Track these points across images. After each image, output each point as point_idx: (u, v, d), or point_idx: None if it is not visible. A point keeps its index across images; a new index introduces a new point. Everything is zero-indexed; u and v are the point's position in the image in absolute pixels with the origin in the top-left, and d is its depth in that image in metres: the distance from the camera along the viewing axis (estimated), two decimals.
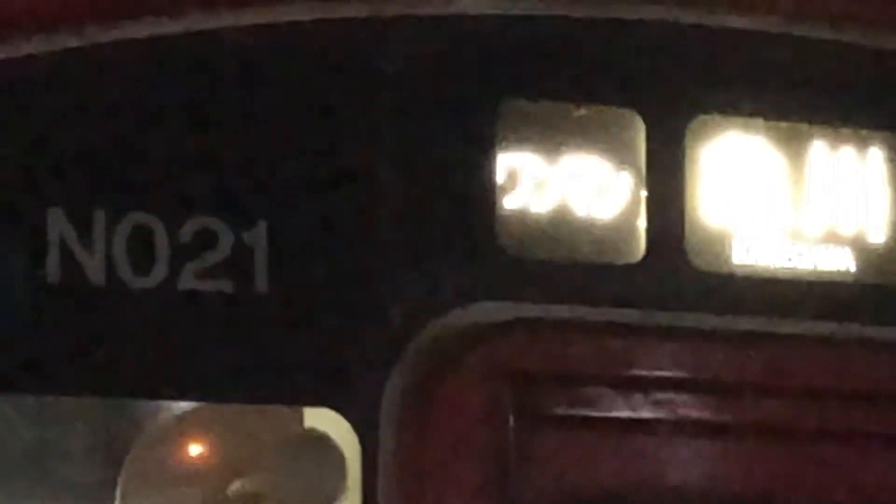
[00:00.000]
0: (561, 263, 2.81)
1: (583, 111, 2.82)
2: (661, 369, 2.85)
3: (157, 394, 2.97)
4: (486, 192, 2.80)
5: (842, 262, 2.94)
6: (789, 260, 2.91)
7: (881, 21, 2.95)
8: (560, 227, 2.83)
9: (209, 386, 2.81)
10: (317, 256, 2.72)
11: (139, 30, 2.72)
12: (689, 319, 2.82)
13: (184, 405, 3.28)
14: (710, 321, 2.82)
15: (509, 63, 2.85)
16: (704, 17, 2.92)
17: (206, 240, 2.66)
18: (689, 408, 2.90)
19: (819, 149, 2.94)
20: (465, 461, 2.81)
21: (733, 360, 2.89)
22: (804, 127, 2.95)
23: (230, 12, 2.79)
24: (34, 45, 2.63)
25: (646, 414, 2.86)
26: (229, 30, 2.82)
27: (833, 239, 2.91)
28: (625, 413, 2.87)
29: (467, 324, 2.81)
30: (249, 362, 2.77)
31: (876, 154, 2.98)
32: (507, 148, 2.79)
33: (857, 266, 2.96)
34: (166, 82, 2.69)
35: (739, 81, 2.94)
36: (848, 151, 2.98)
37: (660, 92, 2.87)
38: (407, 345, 2.76)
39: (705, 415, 2.89)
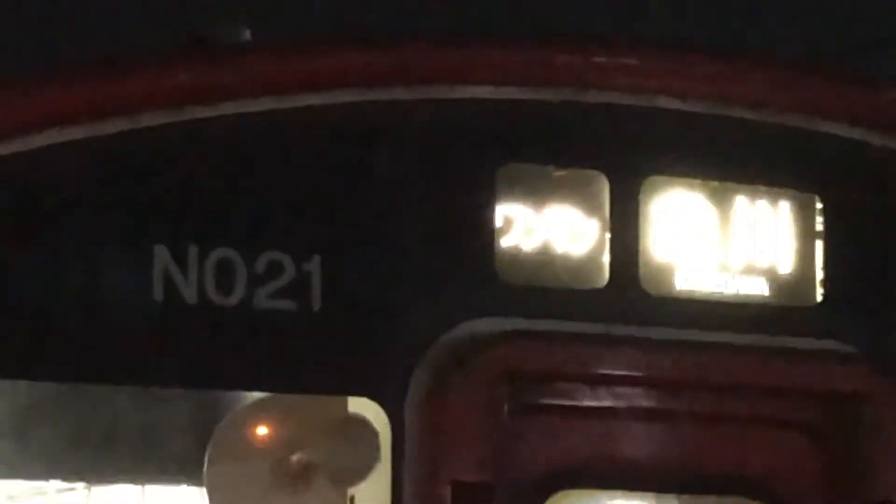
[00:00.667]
0: (544, 288, 3.29)
1: (561, 172, 3.34)
2: (620, 370, 3.32)
3: (236, 386, 3.47)
4: (487, 235, 3.28)
5: (758, 288, 3.44)
6: (718, 286, 3.43)
7: (787, 104, 3.50)
8: (543, 260, 3.31)
9: (276, 380, 3.30)
10: (359, 284, 3.19)
11: (231, 108, 3.24)
12: (642, 332, 3.30)
13: (256, 394, 3.63)
14: (657, 333, 3.30)
15: (505, 136, 3.36)
16: (657, 102, 3.47)
17: (275, 269, 3.12)
18: (641, 399, 3.42)
19: (741, 202, 3.46)
20: (470, 440, 3.30)
21: (675, 362, 3.40)
22: (730, 185, 3.49)
23: (272, 100, 3.31)
24: (153, 119, 3.17)
25: (608, 403, 3.36)
26: (277, 113, 3.31)
27: (751, 270, 3.43)
28: (593, 403, 3.40)
29: (473, 334, 3.30)
30: (307, 362, 3.30)
31: (784, 206, 3.50)
32: (503, 201, 3.25)
33: (769, 291, 3.46)
34: (249, 153, 3.20)
35: (682, 150, 3.45)
36: (763, 204, 3.49)
37: (620, 158, 3.37)
38: (427, 350, 3.25)
39: (653, 404, 3.41)
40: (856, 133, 3.84)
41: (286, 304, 3.34)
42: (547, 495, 3.62)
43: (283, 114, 3.50)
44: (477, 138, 3.56)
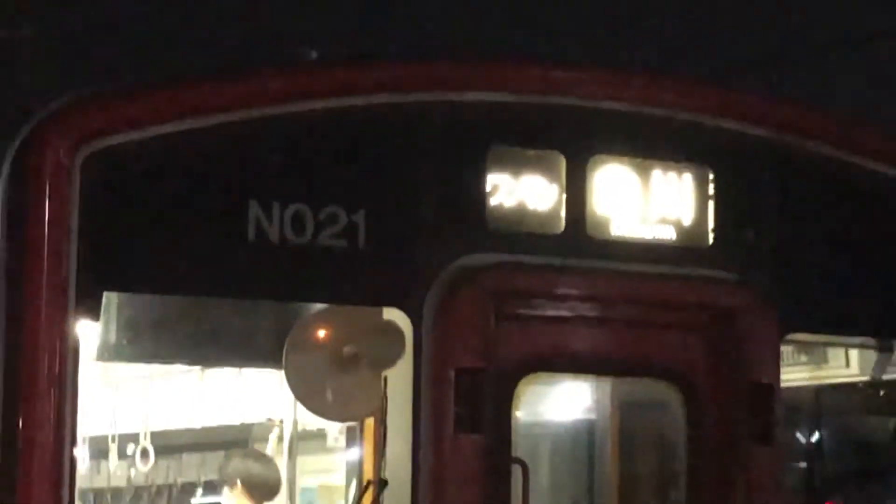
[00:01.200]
0: (519, 233, 4.22)
1: (532, 152, 4.30)
2: (572, 290, 4.27)
3: (305, 299, 4.42)
4: (480, 196, 4.21)
5: (668, 234, 4.41)
6: (641, 232, 4.41)
7: (690, 106, 4.57)
8: (519, 213, 4.26)
9: (333, 295, 4.23)
10: (392, 230, 4.09)
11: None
12: (588, 263, 4.25)
13: (319, 305, 4.52)
14: (598, 264, 4.26)
15: (495, 127, 4.32)
16: (601, 105, 4.49)
17: (332, 218, 4.02)
18: (587, 310, 4.38)
19: (657, 174, 4.43)
20: (468, 338, 4.23)
21: (611, 284, 4.38)
22: (649, 161, 4.45)
23: (324, 101, 4.24)
24: (261, 112, 4.12)
25: (564, 313, 4.34)
26: (332, 111, 4.28)
27: (664, 221, 4.40)
28: (553, 313, 4.40)
29: (471, 264, 4.19)
30: (354, 283, 4.26)
31: (687, 176, 4.49)
32: (492, 172, 4.19)
33: (676, 235, 4.43)
34: (318, 137, 4.18)
35: (617, 137, 4.41)
36: (672, 175, 4.46)
37: (573, 142, 4.33)
38: (439, 275, 4.16)
39: (595, 314, 4.39)
40: (736, 125, 4.82)
41: (340, 243, 4.21)
42: (521, 377, 4.51)
43: (334, 111, 4.39)
44: (475, 128, 4.41)
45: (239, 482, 6.38)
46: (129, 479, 7.10)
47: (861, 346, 5.59)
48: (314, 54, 4.69)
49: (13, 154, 4.21)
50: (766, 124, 4.92)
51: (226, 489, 6.62)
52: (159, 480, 7.35)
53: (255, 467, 6.45)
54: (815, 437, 6.02)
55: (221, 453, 7.00)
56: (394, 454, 4.60)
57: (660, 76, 4.88)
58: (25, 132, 4.20)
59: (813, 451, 6.03)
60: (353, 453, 5.51)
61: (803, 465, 5.99)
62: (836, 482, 6.29)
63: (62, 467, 4.30)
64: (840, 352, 5.79)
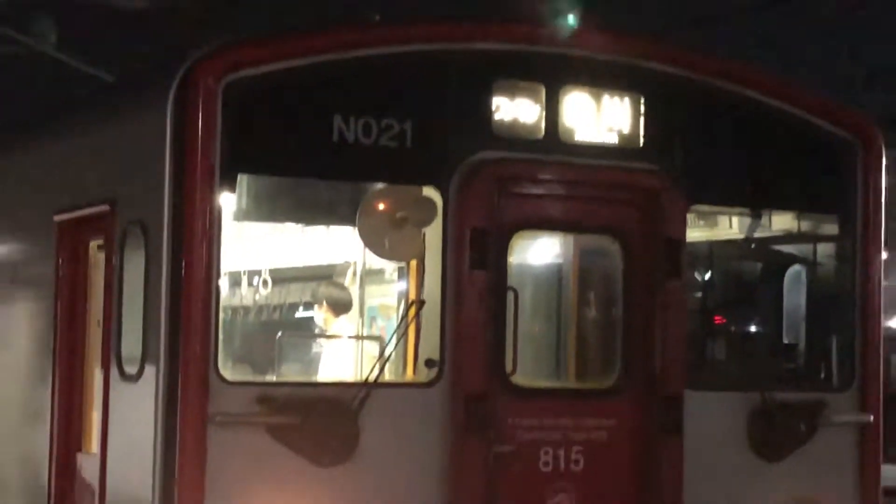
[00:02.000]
0: (514, 137, 5.27)
1: (523, 83, 5.19)
2: (549, 175, 5.35)
3: (369, 179, 5.49)
4: (488, 112, 5.18)
5: (613, 138, 5.47)
6: (595, 137, 5.47)
7: (637, 51, 5.43)
8: (514, 123, 5.28)
9: (389, 177, 5.35)
10: (430, 135, 5.18)
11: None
12: (559, 158, 5.34)
13: (380, 185, 5.64)
14: (567, 159, 5.33)
15: (498, 65, 5.24)
16: (572, 52, 5.31)
17: (388, 126, 5.04)
18: (559, 189, 5.42)
19: (607, 100, 5.42)
20: (479, 208, 5.24)
21: (576, 173, 5.53)
22: (603, 90, 5.41)
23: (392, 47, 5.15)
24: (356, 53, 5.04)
25: (543, 191, 5.39)
26: (394, 55, 5.17)
27: (610, 129, 5.50)
28: (537, 191, 5.41)
29: (481, 158, 5.29)
30: (402, 168, 5.32)
31: (626, 100, 5.46)
32: (496, 95, 5.16)
33: (618, 139, 5.49)
34: (388, 74, 5.12)
35: (588, 73, 5.37)
36: (616, 100, 5.44)
37: (551, 76, 5.26)
38: (460, 165, 5.25)
39: (564, 192, 5.43)
40: (659, 66, 5.83)
41: (394, 143, 5.35)
42: (514, 233, 5.64)
43: (391, 56, 5.41)
44: (484, 67, 5.52)
45: (325, 301, 7.37)
46: (254, 300, 8.03)
47: (739, 214, 6.65)
48: (377, 17, 5.66)
49: (177, 82, 5.12)
50: (680, 65, 5.98)
51: (316, 307, 7.58)
52: (273, 301, 8.32)
53: (335, 292, 7.41)
54: (708, 275, 6.97)
55: (314, 282, 8.08)
56: (429, 283, 5.62)
57: (608, 31, 5.74)
58: (184, 68, 5.11)
59: (706, 284, 6.99)
60: (402, 283, 6.38)
61: (700, 293, 6.88)
62: (721, 305, 7.30)
63: (211, 291, 5.19)
64: (726, 218, 6.77)
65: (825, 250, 6.81)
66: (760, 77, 6.37)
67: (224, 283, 5.74)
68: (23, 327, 7.40)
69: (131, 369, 5.50)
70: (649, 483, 5.85)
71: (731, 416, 6.12)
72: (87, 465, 6.23)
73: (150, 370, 5.32)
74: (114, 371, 5.74)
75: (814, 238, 6.84)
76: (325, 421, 5.31)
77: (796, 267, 6.82)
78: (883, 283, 6.65)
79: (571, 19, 5.63)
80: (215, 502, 5.16)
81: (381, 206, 5.67)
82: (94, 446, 6.12)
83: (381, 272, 7.30)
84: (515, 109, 5.62)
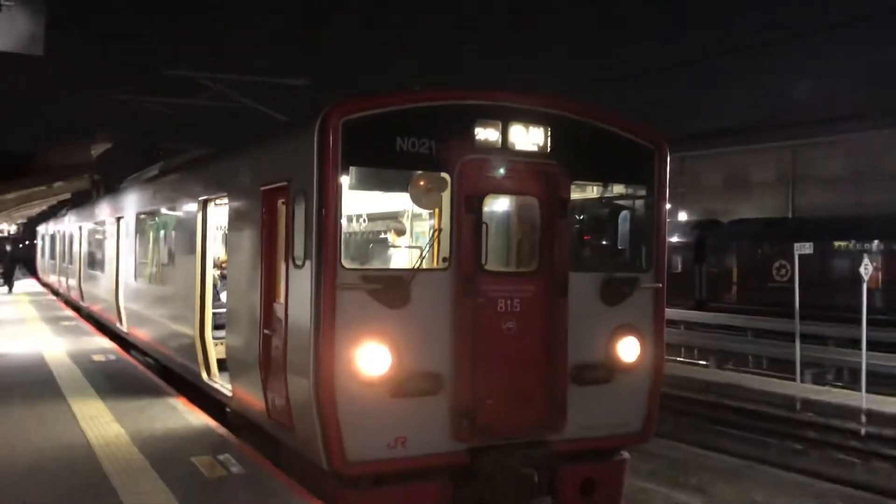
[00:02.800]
0: (485, 147, 7.66)
1: (489, 120, 7.95)
2: (504, 166, 7.75)
3: (415, 169, 7.41)
4: (472, 136, 7.57)
5: (535, 148, 7.95)
6: (526, 147, 7.85)
7: (547, 105, 8.19)
8: (486, 141, 7.67)
9: (423, 167, 7.39)
10: (442, 148, 7.35)
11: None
12: (509, 157, 7.74)
13: (419, 171, 7.40)
14: (512, 157, 7.75)
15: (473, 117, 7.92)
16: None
17: (423, 143, 7.31)
18: (509, 173, 7.80)
19: (534, 127, 7.92)
20: (469, 183, 7.47)
21: (516, 165, 7.83)
22: (530, 123, 7.99)
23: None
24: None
25: (499, 175, 7.73)
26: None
27: (534, 144, 7.97)
28: (496, 175, 7.72)
29: (469, 158, 7.52)
30: (431, 163, 7.42)
31: (543, 129, 8.00)
32: (477, 127, 7.71)
33: (538, 149, 7.90)
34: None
35: (521, 114, 7.84)
36: (539, 128, 7.92)
37: (504, 116, 7.89)
38: (458, 162, 7.45)
39: (511, 175, 7.82)
40: (560, 112, 7.96)
41: (426, 151, 7.21)
42: (486, 195, 7.55)
43: (427, 107, 7.44)
44: (470, 113, 7.51)
45: (393, 229, 9.14)
46: (359, 228, 9.68)
47: (601, 184, 8.77)
48: (418, 87, 7.89)
49: (319, 121, 6.93)
50: (566, 111, 8.10)
51: (389, 232, 9.26)
52: (368, 229, 9.93)
53: (398, 224, 9.29)
54: (580, 220, 8.81)
55: (388, 220, 9.78)
56: (444, 220, 7.56)
57: (534, 94, 7.97)
58: (323, 113, 6.96)
59: (579, 221, 8.80)
60: (431, 220, 8.38)
61: (577, 225, 8.60)
62: (587, 231, 9.12)
63: (337, 224, 6.96)
64: (591, 187, 8.82)
65: (640, 203, 8.74)
66: (608, 115, 8.34)
67: (343, 221, 7.22)
68: (246, 243, 9.17)
69: (299, 262, 7.35)
70: (551, 318, 7.86)
71: (592, 285, 8.15)
72: (279, 309, 7.99)
73: (308, 262, 7.14)
74: (290, 263, 7.58)
75: (634, 196, 8.79)
76: (394, 287, 7.12)
77: (625, 211, 8.72)
78: (666, 219, 8.70)
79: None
80: (340, 328, 6.93)
81: (420, 182, 7.60)
82: (282, 300, 7.82)
83: (421, 215, 9.15)
84: (486, 133, 7.68)
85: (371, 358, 6.99)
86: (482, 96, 7.73)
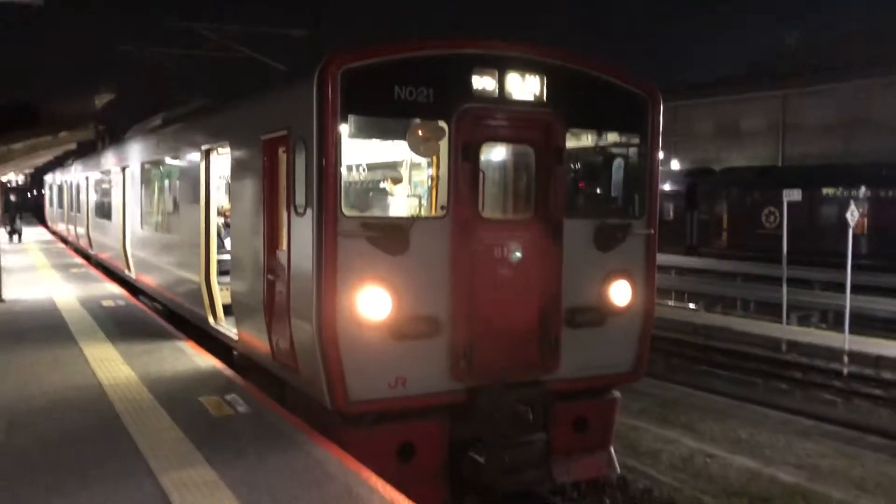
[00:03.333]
0: (482, 97, 7.58)
1: (487, 69, 7.84)
2: (501, 114, 7.75)
3: (413, 117, 7.38)
4: (469, 84, 7.57)
5: (532, 97, 7.86)
6: (523, 96, 7.81)
7: (544, 54, 8.04)
8: (483, 90, 7.58)
9: (422, 115, 7.31)
10: (440, 95, 7.28)
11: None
12: (506, 107, 7.77)
13: (417, 120, 7.24)
14: (509, 106, 7.76)
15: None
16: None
17: (422, 92, 7.36)
18: (505, 121, 7.80)
19: (530, 76, 7.89)
20: (467, 131, 7.48)
21: (513, 113, 7.82)
22: (526, 71, 7.92)
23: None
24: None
25: (496, 123, 7.77)
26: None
27: (531, 93, 7.99)
28: (492, 123, 7.76)
29: (467, 106, 7.49)
30: (430, 111, 7.31)
31: (539, 77, 7.91)
32: (475, 75, 7.58)
33: (534, 98, 7.84)
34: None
35: (517, 62, 7.84)
36: (536, 76, 7.82)
37: (501, 64, 7.78)
38: (456, 110, 7.42)
39: (507, 123, 7.84)
40: (556, 62, 7.86)
41: (424, 99, 7.17)
42: (482, 143, 7.56)
43: (424, 56, 7.26)
44: (469, 62, 7.42)
45: (390, 178, 9.11)
46: (358, 177, 9.43)
47: (595, 133, 8.73)
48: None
49: (318, 70, 6.86)
50: (561, 59, 8.02)
51: (387, 180, 9.19)
52: (367, 178, 9.56)
53: (395, 173, 9.16)
54: (575, 168, 8.84)
55: (386, 168, 9.56)
56: (442, 169, 7.59)
57: (530, 43, 7.80)
58: (322, 62, 6.90)
59: (575, 168, 8.80)
60: (429, 169, 8.44)
61: (572, 173, 8.63)
62: (582, 178, 9.11)
63: (337, 172, 6.92)
64: (585, 134, 8.72)
65: (633, 151, 8.72)
66: (603, 64, 8.23)
67: (343, 169, 7.21)
68: (248, 192, 9.21)
69: (300, 210, 7.38)
70: (546, 264, 7.93)
71: (586, 231, 8.17)
72: (281, 256, 8.05)
73: (309, 210, 7.16)
74: (292, 211, 7.62)
75: (627, 145, 8.75)
76: (394, 234, 7.16)
77: (619, 159, 8.77)
78: (659, 167, 8.60)
79: None
80: (341, 274, 6.97)
81: (418, 130, 7.52)
82: (284, 246, 7.90)
83: (419, 163, 8.95)
84: (483, 82, 7.64)
85: (372, 302, 7.04)
86: (479, 45, 7.62)
